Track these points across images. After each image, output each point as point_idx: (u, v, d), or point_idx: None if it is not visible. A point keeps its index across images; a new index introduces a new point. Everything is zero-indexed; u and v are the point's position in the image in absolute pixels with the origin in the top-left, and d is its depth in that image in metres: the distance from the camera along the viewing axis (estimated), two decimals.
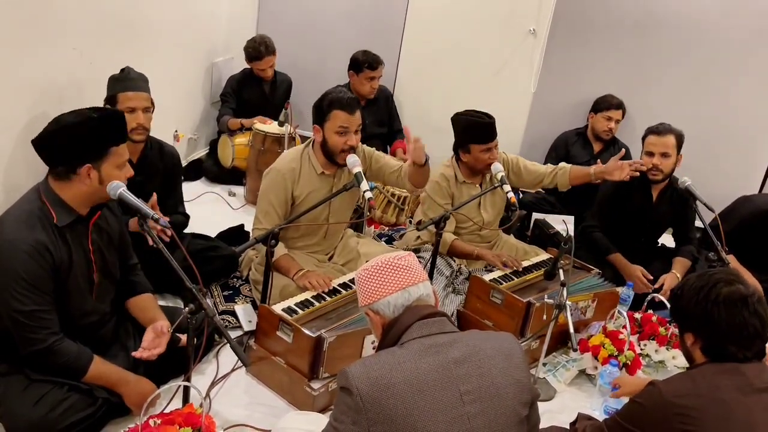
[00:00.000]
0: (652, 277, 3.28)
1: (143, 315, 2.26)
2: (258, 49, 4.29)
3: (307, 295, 2.57)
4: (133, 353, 2.09)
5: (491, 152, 3.07)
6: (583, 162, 4.07)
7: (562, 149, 4.28)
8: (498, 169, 2.97)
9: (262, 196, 2.82)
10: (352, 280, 2.71)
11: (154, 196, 2.44)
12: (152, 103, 2.71)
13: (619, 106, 4.15)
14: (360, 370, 1.44)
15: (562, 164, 3.33)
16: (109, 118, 1.99)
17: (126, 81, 2.65)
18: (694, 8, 4.20)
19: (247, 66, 4.45)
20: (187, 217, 3.02)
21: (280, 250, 2.76)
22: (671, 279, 3.27)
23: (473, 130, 3.07)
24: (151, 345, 2.10)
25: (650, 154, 3.26)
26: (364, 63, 4.25)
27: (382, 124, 4.60)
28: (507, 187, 2.89)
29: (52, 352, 1.95)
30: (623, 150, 3.25)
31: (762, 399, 1.64)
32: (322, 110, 2.72)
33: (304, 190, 2.83)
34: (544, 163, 4.20)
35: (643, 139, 3.32)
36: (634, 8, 4.30)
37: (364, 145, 2.96)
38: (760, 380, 1.66)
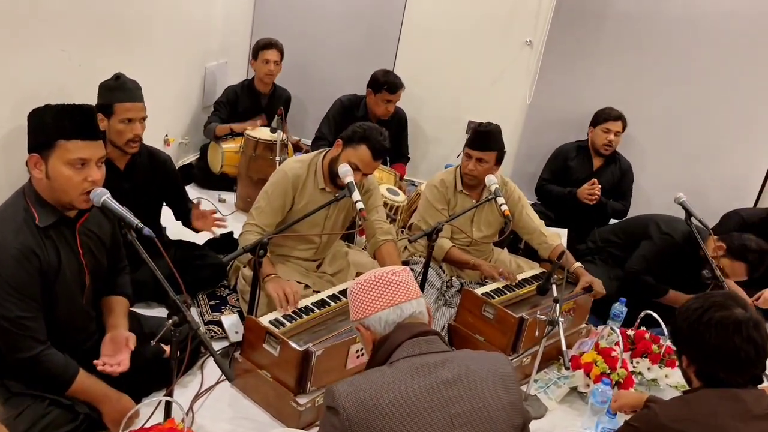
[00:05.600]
0: None
1: (106, 317, 2.16)
2: (269, 39, 4.27)
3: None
4: (95, 362, 1.98)
5: (472, 161, 3.09)
6: (581, 177, 4.03)
7: (560, 161, 4.15)
8: (492, 181, 2.94)
9: (264, 193, 2.81)
10: (341, 292, 2.67)
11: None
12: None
13: (618, 117, 4.01)
14: (347, 389, 1.41)
15: (554, 237, 3.24)
16: (67, 110, 1.88)
17: (123, 90, 2.58)
18: (692, 19, 4.19)
19: (246, 79, 4.42)
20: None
21: None
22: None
23: (472, 134, 3.18)
24: (113, 359, 2.00)
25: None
26: (383, 85, 4.11)
27: None
28: (501, 200, 2.86)
29: (38, 361, 1.89)
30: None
31: (760, 426, 1.61)
32: (356, 134, 2.70)
33: (303, 199, 2.81)
34: (541, 175, 4.21)
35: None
36: (631, 20, 4.29)
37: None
38: (759, 407, 1.63)
